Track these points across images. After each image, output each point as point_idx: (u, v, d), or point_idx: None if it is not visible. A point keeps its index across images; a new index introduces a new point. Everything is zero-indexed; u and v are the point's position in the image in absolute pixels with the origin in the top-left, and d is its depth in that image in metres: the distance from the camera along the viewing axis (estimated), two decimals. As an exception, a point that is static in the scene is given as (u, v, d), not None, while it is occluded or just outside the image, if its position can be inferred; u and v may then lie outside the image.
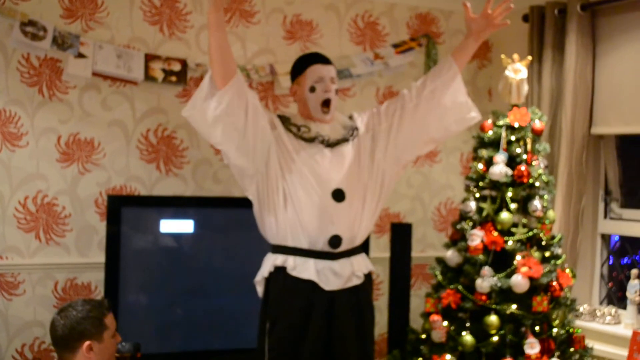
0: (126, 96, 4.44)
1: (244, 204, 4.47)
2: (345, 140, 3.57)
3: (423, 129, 3.67)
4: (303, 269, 3.44)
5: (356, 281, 3.53)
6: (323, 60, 3.62)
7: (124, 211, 4.13)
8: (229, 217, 4.44)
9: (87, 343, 3.03)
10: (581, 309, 4.51)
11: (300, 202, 3.43)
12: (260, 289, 3.56)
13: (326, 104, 3.55)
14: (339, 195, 3.46)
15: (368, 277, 3.64)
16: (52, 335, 3.08)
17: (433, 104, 3.64)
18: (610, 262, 4.77)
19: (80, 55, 4.26)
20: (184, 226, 4.32)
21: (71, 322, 3.04)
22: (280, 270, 3.47)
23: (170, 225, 4.30)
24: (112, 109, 4.41)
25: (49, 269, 4.27)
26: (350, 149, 3.58)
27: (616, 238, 4.76)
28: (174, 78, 4.49)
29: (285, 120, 3.58)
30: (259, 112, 3.42)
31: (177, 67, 4.50)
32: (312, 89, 3.54)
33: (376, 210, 3.63)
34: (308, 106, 3.57)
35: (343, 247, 3.48)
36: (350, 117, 3.72)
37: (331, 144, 3.54)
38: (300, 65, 3.62)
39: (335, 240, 3.45)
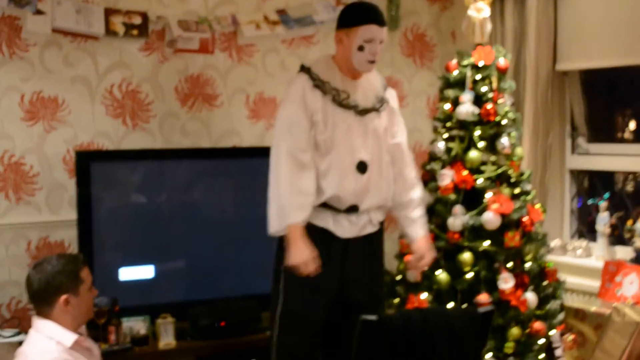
0: (88, 52, 4.38)
1: (215, 154, 4.52)
2: (374, 109, 3.55)
3: None
4: (320, 217, 3.46)
5: (370, 229, 3.58)
6: (380, 21, 3.47)
7: (93, 167, 4.09)
8: (200, 168, 4.44)
9: (63, 297, 3.01)
10: (552, 244, 4.57)
11: (327, 168, 3.44)
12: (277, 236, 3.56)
13: (371, 62, 3.49)
14: (362, 167, 3.49)
15: (381, 224, 3.68)
16: (28, 291, 3.07)
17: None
18: (579, 204, 4.84)
19: (39, 12, 4.18)
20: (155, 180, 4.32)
21: (47, 276, 3.02)
22: None
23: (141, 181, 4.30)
24: (74, 65, 4.35)
25: (21, 228, 4.23)
26: (377, 120, 3.56)
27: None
28: (135, 32, 4.41)
29: (323, 83, 3.47)
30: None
31: (138, 20, 4.42)
32: (361, 48, 3.44)
33: (391, 180, 3.65)
34: (351, 60, 3.47)
35: (360, 211, 3.53)
36: (385, 86, 3.68)
37: (363, 113, 3.51)
38: (357, 18, 3.47)
39: (352, 209, 3.50)
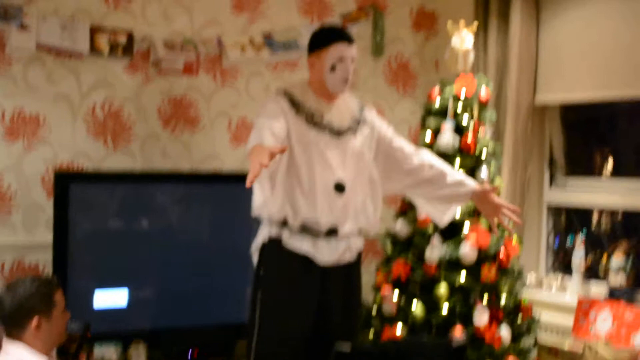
0: (72, 70, 4.36)
1: (194, 179, 4.51)
2: (350, 130, 3.53)
3: (392, 184, 3.70)
4: (299, 242, 3.43)
5: (349, 257, 3.54)
6: (348, 38, 3.48)
7: (72, 188, 4.06)
8: (180, 192, 4.43)
9: (35, 319, 3.00)
10: (528, 278, 4.59)
11: (302, 189, 3.41)
12: (255, 259, 3.53)
13: (345, 82, 3.47)
14: (340, 187, 3.45)
15: (359, 255, 3.64)
16: (-1, 313, 3.05)
17: (422, 186, 3.67)
18: (556, 244, 4.87)
19: (23, 27, 4.16)
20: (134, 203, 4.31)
21: (19, 298, 3.00)
22: (274, 241, 3.45)
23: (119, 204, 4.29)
24: (57, 83, 4.33)
25: (-5, 249, 4.20)
26: (355, 140, 3.53)
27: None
28: (120, 51, 4.41)
29: (295, 103, 3.46)
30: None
31: (123, 39, 4.42)
32: (333, 68, 3.43)
33: (378, 203, 3.62)
34: (325, 83, 3.47)
35: (340, 235, 3.49)
36: (362, 107, 3.65)
37: (339, 134, 3.49)
38: (324, 39, 3.48)
39: (332, 231, 3.45)
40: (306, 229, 3.44)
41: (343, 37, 3.48)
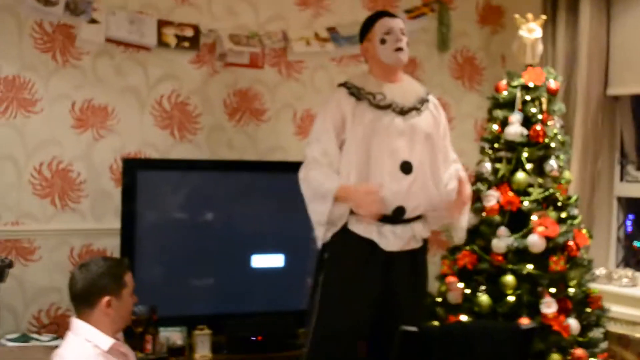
0: (139, 62, 4.44)
1: (259, 167, 4.52)
2: (416, 109, 3.54)
3: None
4: (363, 227, 3.43)
5: (414, 244, 3.54)
6: (389, 14, 3.62)
7: (139, 175, 4.12)
8: (244, 181, 4.45)
9: (106, 298, 3.01)
10: (597, 272, 4.48)
11: (369, 170, 3.42)
12: (319, 242, 3.53)
13: (399, 50, 3.51)
14: (406, 167, 3.44)
15: (425, 241, 3.63)
16: (71, 290, 3.07)
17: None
18: (628, 230, 4.75)
19: (93, 21, 4.26)
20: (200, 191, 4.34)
21: (92, 276, 3.03)
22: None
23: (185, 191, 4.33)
24: (125, 75, 4.42)
25: (64, 234, 4.28)
26: (422, 120, 3.54)
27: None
28: (186, 44, 4.48)
29: (358, 90, 3.50)
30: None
31: (189, 32, 4.49)
32: (383, 41, 3.51)
33: (441, 182, 3.60)
34: (381, 60, 3.52)
35: (406, 216, 3.47)
36: (427, 92, 3.68)
37: (403, 112, 3.50)
38: (368, 22, 3.61)
39: (398, 212, 3.44)
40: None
41: (385, 13, 3.63)
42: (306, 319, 3.54)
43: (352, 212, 3.42)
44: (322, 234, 3.44)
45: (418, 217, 3.55)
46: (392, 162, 3.43)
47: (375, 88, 3.50)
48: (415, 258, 3.56)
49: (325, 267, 3.45)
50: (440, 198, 3.56)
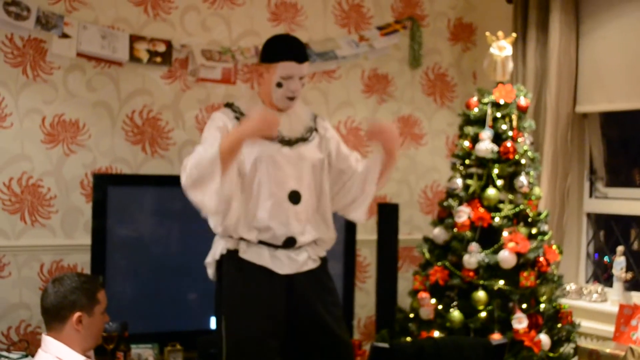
0: (111, 77, 4.42)
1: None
2: (303, 139, 3.44)
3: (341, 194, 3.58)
4: (256, 255, 3.35)
5: (312, 265, 3.44)
6: (298, 57, 3.35)
7: (110, 191, 4.10)
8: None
9: (77, 314, 2.99)
10: (567, 288, 4.52)
11: (256, 201, 3.33)
12: (210, 272, 3.45)
13: (290, 99, 3.39)
14: (295, 197, 3.36)
15: (323, 260, 3.52)
16: (42, 304, 3.04)
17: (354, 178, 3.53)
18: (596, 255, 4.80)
19: (65, 36, 4.23)
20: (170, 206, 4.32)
21: (65, 290, 3.00)
22: (232, 254, 3.36)
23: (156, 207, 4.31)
24: (97, 90, 4.39)
25: (34, 250, 4.24)
26: (309, 149, 3.45)
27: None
28: (159, 59, 4.47)
29: (242, 116, 3.38)
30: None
31: (162, 48, 4.48)
32: (279, 85, 3.34)
33: (329, 214, 3.52)
34: (271, 96, 3.38)
35: (297, 245, 3.39)
36: (315, 117, 3.57)
37: (290, 143, 3.41)
38: (274, 54, 3.36)
39: (289, 242, 3.36)
40: (263, 242, 3.35)
41: (296, 55, 3.35)
42: (218, 348, 3.40)
43: (241, 239, 3.35)
44: (219, 222, 3.32)
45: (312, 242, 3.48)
46: (280, 191, 3.34)
47: None
48: (319, 278, 3.45)
49: (224, 298, 3.36)
50: (327, 229, 3.49)
